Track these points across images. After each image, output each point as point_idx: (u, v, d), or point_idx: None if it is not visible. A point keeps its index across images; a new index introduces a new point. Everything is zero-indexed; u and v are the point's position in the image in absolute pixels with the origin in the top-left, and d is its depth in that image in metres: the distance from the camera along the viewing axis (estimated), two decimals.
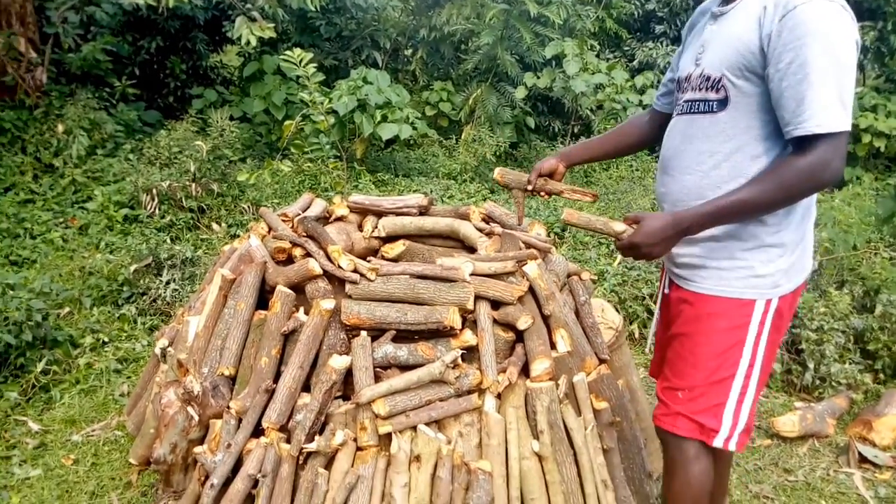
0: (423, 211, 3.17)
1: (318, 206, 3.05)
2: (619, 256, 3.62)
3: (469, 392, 2.27)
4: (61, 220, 5.00)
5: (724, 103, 1.76)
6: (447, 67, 8.58)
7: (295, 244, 2.50)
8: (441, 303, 2.30)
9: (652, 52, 9.17)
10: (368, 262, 2.42)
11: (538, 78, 7.58)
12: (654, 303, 2.20)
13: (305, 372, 2.26)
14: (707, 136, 1.81)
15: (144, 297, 3.91)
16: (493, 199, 5.99)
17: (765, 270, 1.81)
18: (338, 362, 2.19)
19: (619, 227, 1.89)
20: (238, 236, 5.10)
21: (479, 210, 3.19)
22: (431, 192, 6.16)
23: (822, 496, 2.76)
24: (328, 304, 2.26)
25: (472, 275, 2.39)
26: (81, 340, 3.40)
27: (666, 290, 2.06)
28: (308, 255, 2.46)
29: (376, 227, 3.11)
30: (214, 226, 5.10)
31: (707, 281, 1.86)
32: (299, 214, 2.83)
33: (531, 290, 2.46)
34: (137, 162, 5.65)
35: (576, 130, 9.13)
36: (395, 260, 3.04)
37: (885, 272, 3.87)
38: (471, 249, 3.08)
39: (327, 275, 2.38)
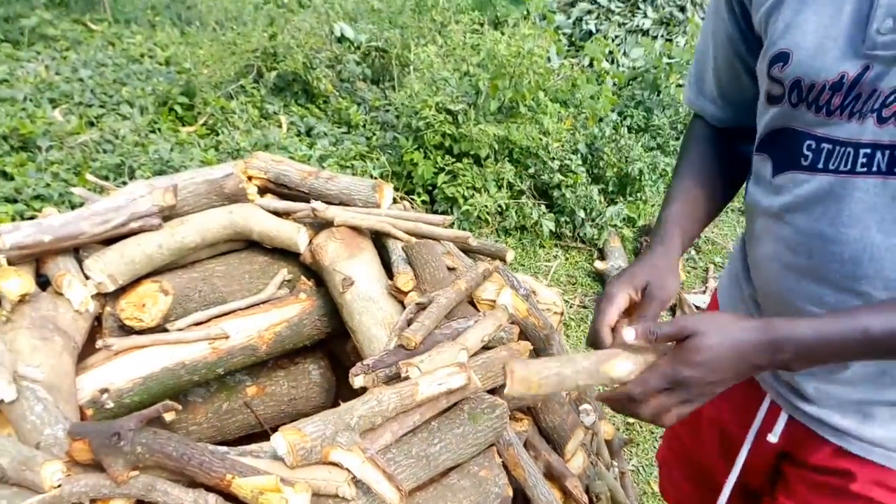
0: (168, 213, 1.67)
1: None
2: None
3: None
4: None
5: None
6: None
7: None
8: (470, 455, 1.25)
9: None
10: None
11: None
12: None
13: None
14: None
15: None
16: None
17: None
18: None
19: (620, 366, 0.83)
20: None
21: (253, 175, 1.84)
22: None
23: None
24: None
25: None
26: None
27: (773, 439, 1.06)
28: None
29: (89, 279, 1.54)
30: None
31: None
32: None
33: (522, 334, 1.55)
34: None
35: None
36: (155, 329, 1.60)
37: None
38: (273, 252, 1.82)
39: None
